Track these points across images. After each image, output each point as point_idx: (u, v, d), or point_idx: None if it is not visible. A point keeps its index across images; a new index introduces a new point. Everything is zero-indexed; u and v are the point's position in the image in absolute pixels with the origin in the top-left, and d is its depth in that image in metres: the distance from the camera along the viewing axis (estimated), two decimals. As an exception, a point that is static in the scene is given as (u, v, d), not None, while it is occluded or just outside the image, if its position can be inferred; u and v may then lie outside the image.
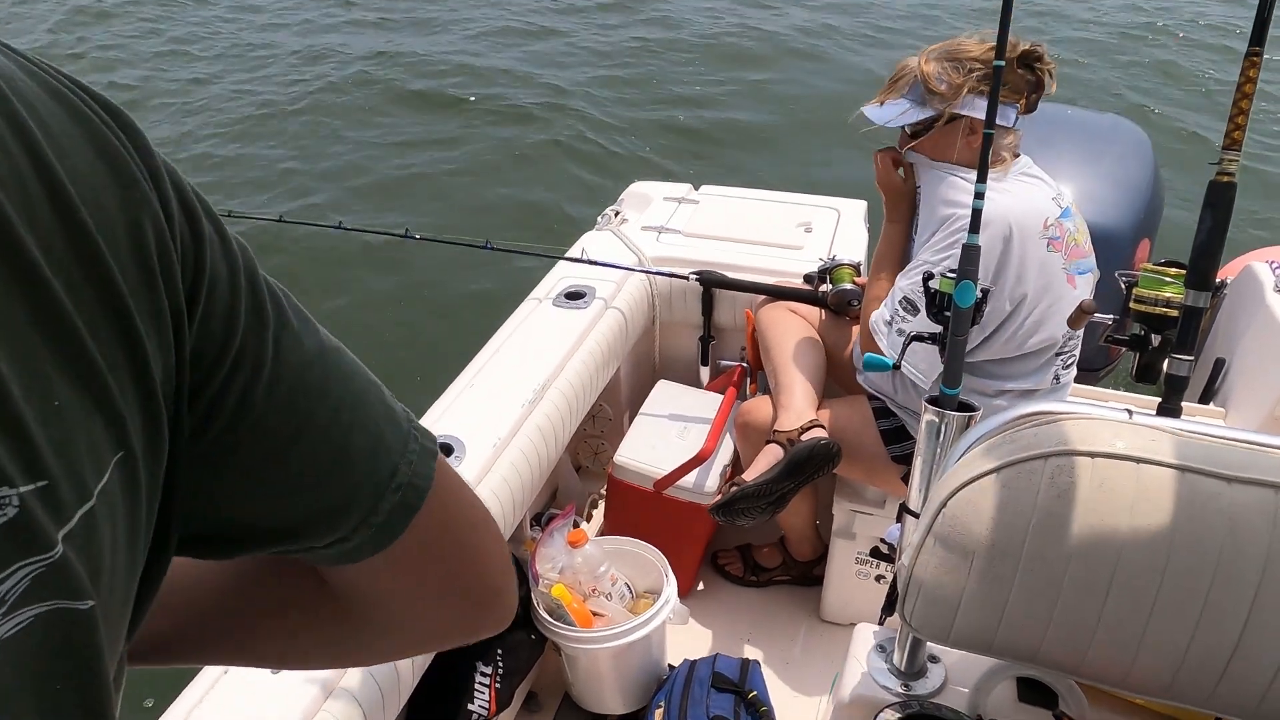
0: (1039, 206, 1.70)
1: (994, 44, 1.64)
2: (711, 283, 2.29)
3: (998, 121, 1.68)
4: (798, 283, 2.23)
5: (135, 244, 0.35)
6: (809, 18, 7.72)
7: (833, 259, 2.21)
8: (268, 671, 1.30)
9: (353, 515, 0.46)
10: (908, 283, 1.74)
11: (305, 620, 0.56)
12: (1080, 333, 1.81)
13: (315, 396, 0.44)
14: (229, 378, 0.40)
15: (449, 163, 5.45)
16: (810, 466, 1.85)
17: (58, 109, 0.35)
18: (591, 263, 2.32)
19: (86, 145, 0.35)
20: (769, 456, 1.90)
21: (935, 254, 1.70)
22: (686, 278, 2.29)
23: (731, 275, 2.34)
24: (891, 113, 1.75)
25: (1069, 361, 1.82)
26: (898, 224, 1.91)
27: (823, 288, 2.16)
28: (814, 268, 2.23)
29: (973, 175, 1.70)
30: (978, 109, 1.69)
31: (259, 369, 0.41)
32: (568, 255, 2.42)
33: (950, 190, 1.73)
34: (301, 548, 0.46)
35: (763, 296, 2.23)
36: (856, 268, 2.17)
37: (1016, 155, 1.77)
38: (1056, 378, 1.80)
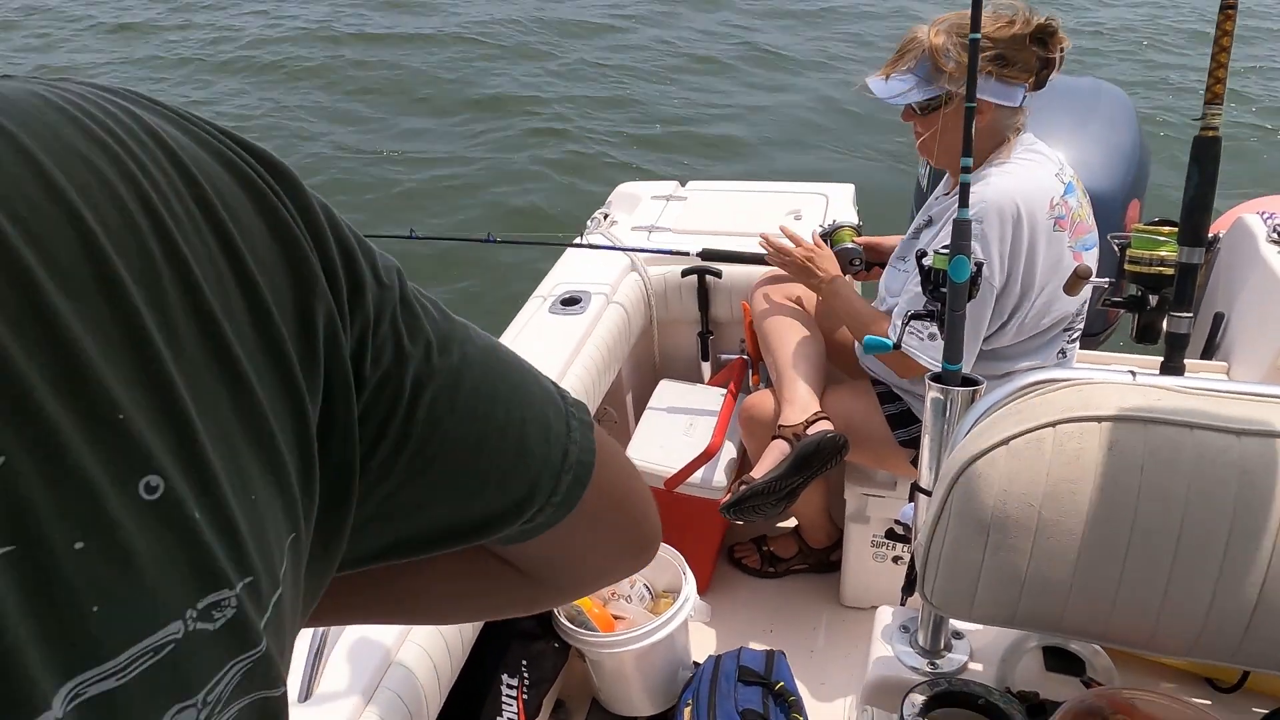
0: (1044, 185, 1.67)
1: (1006, 18, 1.63)
2: (715, 257, 2.29)
3: (1004, 103, 1.66)
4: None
5: (304, 329, 0.35)
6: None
7: (833, 223, 2.21)
8: (295, 702, 1.30)
9: (537, 500, 0.49)
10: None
11: (483, 586, 0.59)
12: (1085, 308, 1.80)
13: (488, 399, 0.46)
14: (409, 408, 0.41)
15: (430, 169, 5.46)
16: (818, 460, 1.84)
17: (231, 182, 0.35)
18: (594, 247, 2.34)
19: (260, 221, 0.35)
20: (776, 452, 1.90)
21: (941, 246, 1.68)
22: (687, 254, 2.29)
23: (726, 267, 2.34)
24: (897, 88, 1.71)
25: (1073, 337, 1.81)
26: (834, 281, 1.95)
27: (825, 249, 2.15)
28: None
29: (990, 169, 1.70)
30: (987, 91, 1.64)
31: (431, 391, 0.42)
32: (573, 242, 2.45)
33: (973, 185, 1.69)
34: (489, 538, 0.49)
35: (757, 287, 2.22)
36: (857, 229, 2.18)
37: (1019, 132, 1.74)
38: (1062, 352, 1.80)
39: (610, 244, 2.43)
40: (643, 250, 2.38)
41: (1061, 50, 1.65)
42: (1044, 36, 1.63)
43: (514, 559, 0.56)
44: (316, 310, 0.36)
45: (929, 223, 1.86)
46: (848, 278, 2.10)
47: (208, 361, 0.31)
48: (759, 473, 1.89)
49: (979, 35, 1.23)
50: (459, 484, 0.45)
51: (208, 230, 0.32)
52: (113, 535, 0.27)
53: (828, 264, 1.98)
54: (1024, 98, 1.68)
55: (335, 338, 0.37)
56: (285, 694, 0.34)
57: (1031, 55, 1.64)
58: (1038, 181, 1.67)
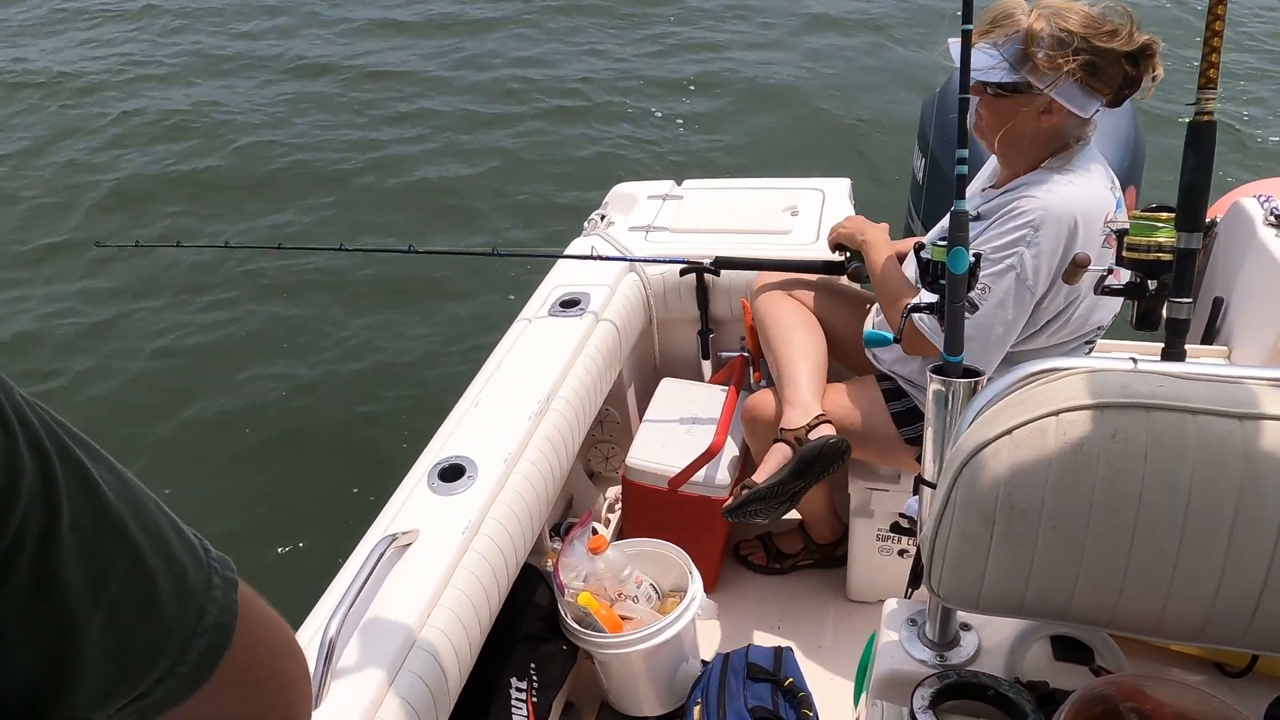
0: (1101, 200, 1.63)
1: (1111, 26, 1.53)
2: (731, 265, 2.25)
3: (1077, 111, 1.60)
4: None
5: None
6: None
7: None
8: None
9: (156, 670, 0.41)
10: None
11: None
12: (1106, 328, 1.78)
13: (115, 543, 0.40)
14: (14, 542, 0.36)
15: (430, 172, 5.46)
16: (820, 465, 1.84)
17: None
18: (603, 259, 2.33)
19: None
20: (778, 456, 1.89)
21: (991, 247, 1.64)
22: (700, 263, 2.27)
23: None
24: (981, 61, 1.59)
25: (1091, 345, 1.81)
26: (883, 248, 1.92)
27: (843, 258, 2.13)
28: (805, 251, 2.22)
29: (1053, 174, 1.64)
30: (1065, 95, 1.57)
31: (51, 522, 0.37)
32: (580, 254, 2.44)
33: (1032, 186, 1.64)
34: (96, 713, 0.41)
35: (757, 285, 2.22)
36: None
37: (1081, 142, 1.68)
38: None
39: (620, 253, 2.41)
40: (656, 260, 2.35)
41: (1154, 77, 1.57)
42: (1140, 56, 1.55)
43: None
44: None
45: (977, 217, 1.78)
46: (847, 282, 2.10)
47: None
48: (760, 476, 1.89)
49: (970, 26, 1.22)
50: (68, 634, 0.38)
51: None
52: None
53: (875, 231, 1.99)
54: (1096, 111, 1.62)
55: None
56: None
57: (1121, 71, 1.56)
58: (1097, 196, 1.63)
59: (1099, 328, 1.76)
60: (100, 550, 0.39)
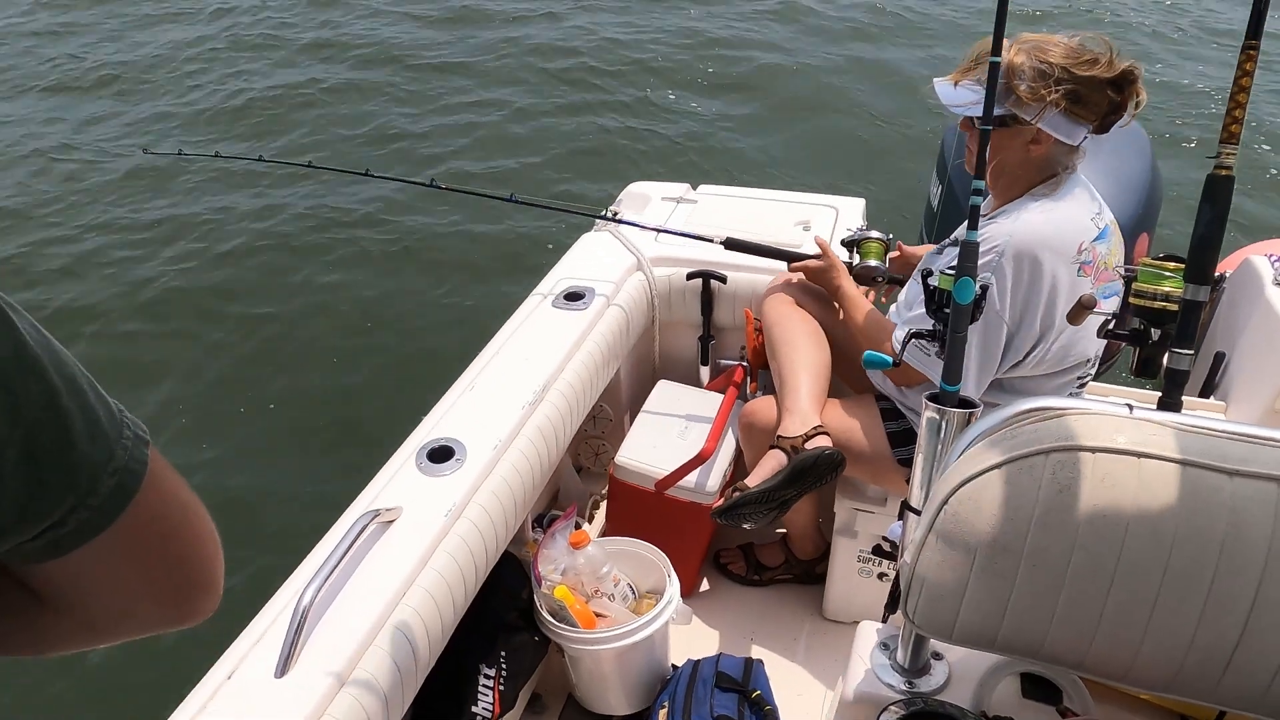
0: (1075, 228, 1.65)
1: (1091, 56, 1.58)
2: (739, 247, 2.24)
3: (1064, 139, 1.63)
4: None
5: None
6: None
7: (863, 229, 2.16)
8: (270, 677, 1.30)
9: (70, 497, 0.45)
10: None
11: (9, 628, 0.54)
12: (1097, 357, 1.79)
13: (32, 377, 0.44)
14: None
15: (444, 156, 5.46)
16: (813, 475, 1.84)
17: None
18: (623, 222, 2.36)
19: None
20: (773, 462, 1.89)
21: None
22: (711, 240, 2.26)
23: (731, 273, 2.34)
24: (965, 98, 1.66)
25: (1083, 382, 1.81)
26: (847, 285, 1.96)
27: (849, 258, 2.13)
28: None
29: (1029, 202, 1.67)
30: (1051, 124, 1.61)
31: None
32: (599, 214, 2.46)
33: (1006, 215, 1.67)
34: (15, 541, 0.45)
35: (766, 292, 2.21)
36: (886, 244, 2.13)
37: (1069, 170, 1.70)
38: (1071, 396, 1.80)
39: (620, 238, 2.43)
40: (666, 231, 2.38)
41: (1137, 103, 1.61)
42: (1124, 82, 1.59)
43: (44, 589, 0.50)
44: None
45: (956, 241, 1.85)
46: (867, 291, 2.09)
47: None
48: (754, 481, 1.89)
49: (999, 59, 1.23)
50: None
51: None
52: None
53: (841, 277, 2.01)
54: (1084, 138, 1.65)
55: None
56: None
57: (1105, 98, 1.60)
58: (1071, 224, 1.65)
59: (1086, 360, 1.76)
60: (17, 381, 0.43)
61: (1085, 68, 1.58)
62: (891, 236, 2.16)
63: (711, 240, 2.25)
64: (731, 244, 2.24)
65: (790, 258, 2.16)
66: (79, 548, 0.47)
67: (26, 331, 0.45)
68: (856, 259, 2.12)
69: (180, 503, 0.53)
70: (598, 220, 2.61)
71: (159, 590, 0.54)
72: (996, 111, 1.62)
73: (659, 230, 2.40)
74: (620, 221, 2.48)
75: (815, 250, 2.09)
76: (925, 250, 2.11)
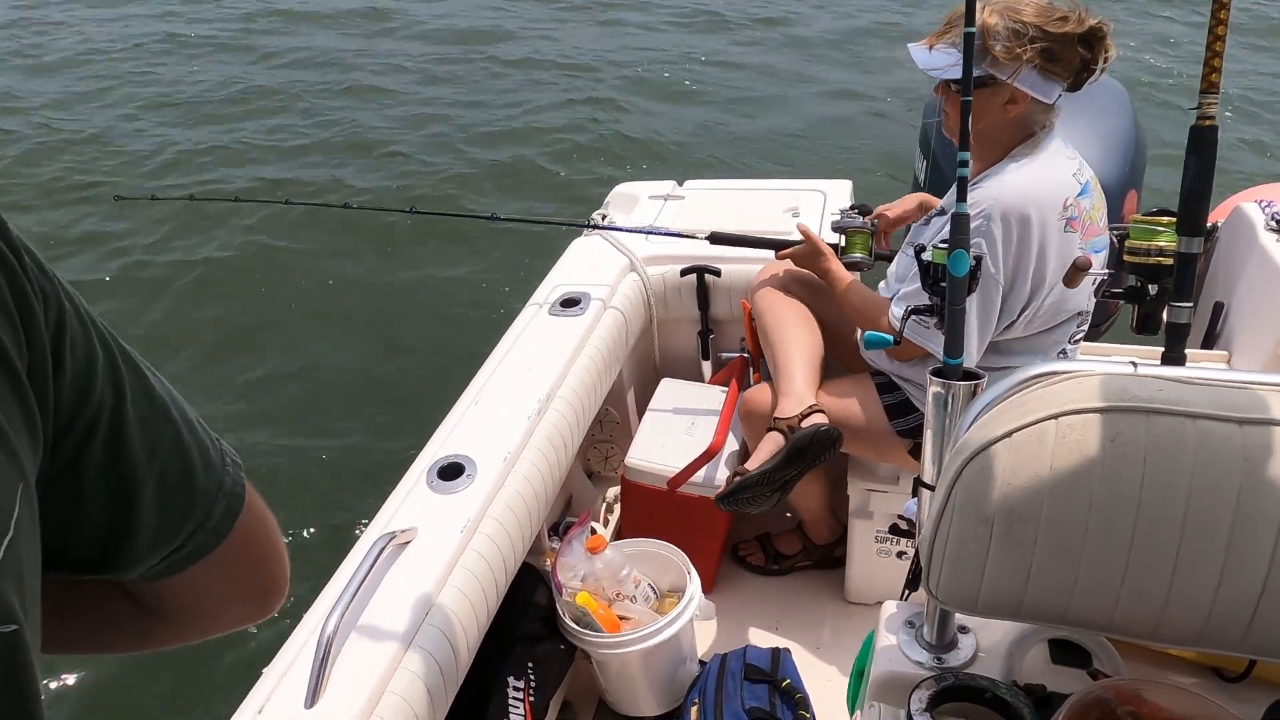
0: (1060, 185, 1.66)
1: (1061, 12, 1.59)
2: (724, 240, 2.23)
3: (1040, 97, 1.64)
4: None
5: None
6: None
7: (851, 208, 2.14)
8: (301, 709, 1.30)
9: (191, 524, 0.51)
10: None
11: (118, 637, 0.60)
12: (1090, 310, 1.79)
13: (163, 417, 0.50)
14: (95, 413, 0.45)
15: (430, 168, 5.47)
16: (811, 453, 1.85)
17: None
18: (609, 228, 2.35)
19: None
20: (771, 444, 1.90)
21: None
22: (694, 236, 2.26)
23: (725, 266, 2.34)
24: (941, 61, 1.67)
25: (1076, 338, 1.81)
26: (834, 267, 1.96)
27: (838, 241, 2.12)
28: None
29: (1010, 163, 1.68)
30: (1027, 82, 1.63)
31: (119, 400, 0.47)
32: (584, 224, 2.46)
33: (989, 179, 1.68)
34: (146, 566, 0.51)
35: (757, 282, 2.21)
36: (870, 232, 2.11)
37: (1046, 129, 1.72)
38: (1064, 352, 1.80)
39: (611, 241, 2.43)
40: (651, 231, 2.38)
41: (1106, 58, 1.63)
42: (1092, 39, 1.62)
43: (146, 597, 0.56)
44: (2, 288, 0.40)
45: (943, 211, 1.86)
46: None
47: None
48: (753, 464, 1.89)
49: (974, 29, 1.22)
50: (128, 493, 0.47)
51: None
52: None
53: (828, 260, 2.01)
54: (1059, 96, 1.67)
55: (33, 316, 0.42)
56: (21, 633, 0.36)
57: (1076, 55, 1.62)
58: (1054, 181, 1.66)
59: (1079, 313, 1.77)
60: (153, 425, 0.49)
61: (1058, 24, 1.60)
62: (875, 222, 2.15)
63: (695, 236, 2.26)
64: (716, 238, 2.24)
65: (776, 245, 2.16)
66: (193, 565, 0.53)
67: (151, 375, 0.51)
68: (842, 241, 2.11)
69: (263, 515, 0.59)
70: (584, 229, 2.61)
71: (249, 593, 0.60)
72: (974, 73, 1.62)
73: (644, 232, 2.40)
74: (606, 227, 2.48)
75: (799, 237, 2.09)
76: (903, 208, 2.11)
